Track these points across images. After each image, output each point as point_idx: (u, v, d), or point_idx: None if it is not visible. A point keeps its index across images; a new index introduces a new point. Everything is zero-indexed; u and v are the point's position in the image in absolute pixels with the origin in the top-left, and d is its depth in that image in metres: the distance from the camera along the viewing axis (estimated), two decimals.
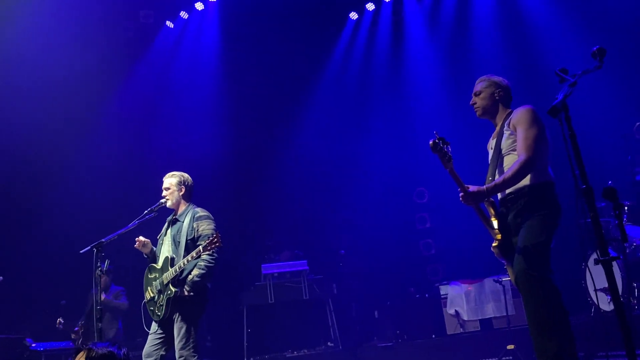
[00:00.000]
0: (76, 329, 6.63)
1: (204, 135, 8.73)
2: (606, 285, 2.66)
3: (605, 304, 5.42)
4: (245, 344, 7.14)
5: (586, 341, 4.71)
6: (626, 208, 5.79)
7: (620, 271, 5.28)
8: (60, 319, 6.72)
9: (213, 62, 9.02)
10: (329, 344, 7.20)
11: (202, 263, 4.27)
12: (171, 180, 4.62)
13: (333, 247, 8.60)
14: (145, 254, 4.65)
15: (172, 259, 4.37)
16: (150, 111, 8.67)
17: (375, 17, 9.28)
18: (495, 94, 3.71)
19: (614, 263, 2.67)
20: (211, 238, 4.13)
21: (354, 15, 9.23)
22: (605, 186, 2.61)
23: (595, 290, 5.47)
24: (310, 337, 7.51)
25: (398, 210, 9.02)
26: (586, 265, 5.41)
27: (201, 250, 4.14)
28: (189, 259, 4.21)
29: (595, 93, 6.90)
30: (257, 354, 7.07)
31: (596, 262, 2.69)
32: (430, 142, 3.39)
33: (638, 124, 6.82)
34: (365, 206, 9.04)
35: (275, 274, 7.32)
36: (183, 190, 4.59)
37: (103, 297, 6.34)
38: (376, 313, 7.44)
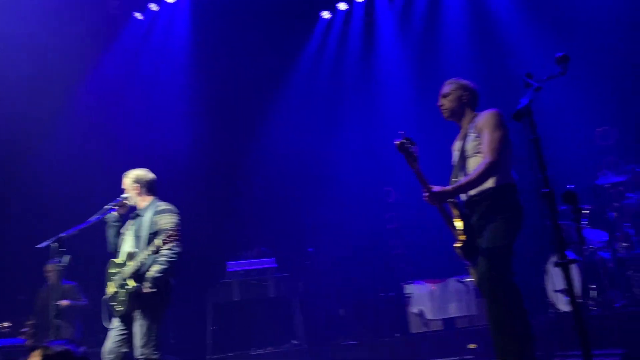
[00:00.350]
0: (25, 329, 6.31)
1: (173, 130, 8.60)
2: (565, 287, 2.73)
3: (564, 305, 5.56)
4: (209, 341, 7.07)
5: (545, 341, 4.82)
6: (587, 212, 5.94)
7: (579, 273, 5.41)
8: (5, 323, 6.47)
9: (184, 56, 8.90)
10: (294, 342, 7.18)
11: (162, 258, 4.20)
12: (125, 181, 4.58)
13: (301, 245, 8.59)
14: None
15: (132, 254, 4.30)
16: (118, 104, 8.50)
17: (347, 17, 9.30)
18: (463, 97, 3.75)
19: (573, 265, 2.74)
20: (168, 232, 4.07)
21: (325, 14, 9.23)
22: (566, 190, 2.67)
23: (555, 291, 5.61)
24: (275, 335, 7.48)
25: (366, 209, 9.06)
26: (545, 267, 5.53)
27: (160, 245, 4.08)
28: (148, 253, 4.15)
29: (560, 98, 7.05)
30: (221, 352, 7.00)
31: (555, 264, 2.75)
32: (397, 142, 3.42)
33: (599, 129, 7.02)
34: (334, 205, 9.05)
35: (242, 272, 7.26)
36: (138, 188, 4.53)
37: (66, 302, 6.19)
38: (342, 311, 7.46)
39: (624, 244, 5.79)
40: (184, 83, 8.85)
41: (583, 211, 5.87)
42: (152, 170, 4.76)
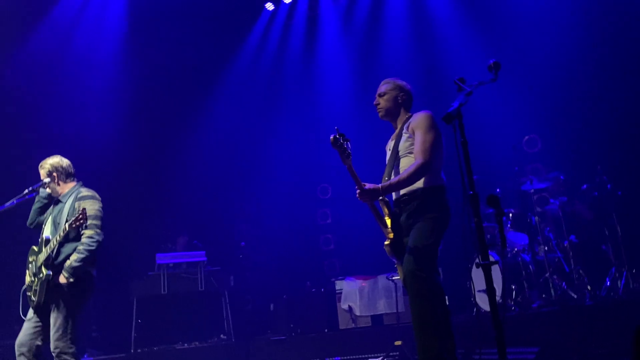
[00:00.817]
0: None
1: (102, 116, 8.24)
2: (486, 287, 2.81)
3: (486, 304, 5.76)
4: (133, 334, 6.86)
5: (467, 339, 4.98)
6: (511, 215, 6.19)
7: (500, 274, 5.63)
8: None
9: (118, 42, 8.54)
10: (222, 336, 7.09)
11: (82, 247, 4.01)
12: (41, 172, 4.37)
13: (234, 239, 8.49)
14: None
15: (48, 241, 4.09)
16: (46, 83, 8.05)
17: (291, 11, 9.25)
18: (399, 98, 3.80)
19: (496, 266, 2.84)
20: (76, 215, 3.91)
21: (270, 6, 9.14)
22: (490, 194, 2.75)
23: (478, 291, 5.81)
24: (203, 329, 7.35)
25: (301, 204, 9.08)
26: (470, 268, 5.72)
27: (67, 229, 3.91)
28: (58, 238, 3.96)
29: (491, 105, 7.31)
30: (146, 346, 6.82)
31: (477, 265, 2.83)
32: (331, 137, 3.42)
33: (527, 137, 7.32)
34: (269, 200, 9.02)
35: (171, 265, 7.09)
36: (55, 176, 4.33)
37: None
38: (272, 306, 7.43)
39: (544, 248, 6.07)
40: (118, 68, 8.51)
41: (506, 215, 6.11)
42: (79, 157, 4.56)
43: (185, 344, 6.85)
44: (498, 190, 6.51)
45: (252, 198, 9.08)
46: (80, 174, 4.53)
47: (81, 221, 3.88)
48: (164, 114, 8.85)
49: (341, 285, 7.00)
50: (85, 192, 4.26)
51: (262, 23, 9.33)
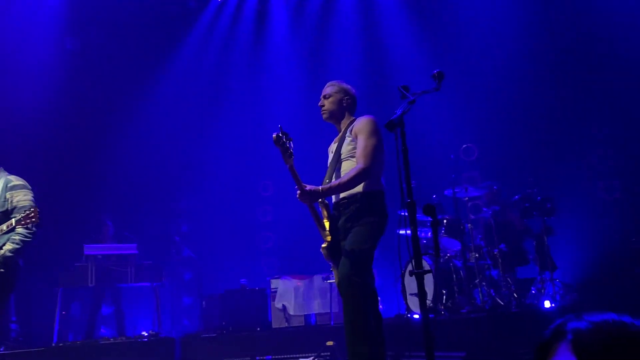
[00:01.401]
0: None
1: (34, 98, 7.82)
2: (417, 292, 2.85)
3: (417, 307, 5.87)
4: (56, 327, 6.56)
5: (397, 342, 5.05)
6: (445, 221, 6.34)
7: (432, 279, 5.76)
8: None
9: (53, 21, 8.13)
10: (150, 332, 6.88)
11: (17, 237, 3.83)
12: None
13: (169, 234, 8.28)
14: None
15: None
16: None
17: (240, 3, 9.11)
18: (343, 101, 3.80)
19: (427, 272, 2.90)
20: (28, 212, 3.71)
21: None
22: (427, 203, 2.79)
23: (410, 294, 5.91)
24: (131, 323, 7.12)
25: (242, 201, 8.97)
26: (404, 272, 5.81)
27: (13, 224, 3.71)
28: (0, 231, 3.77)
29: (432, 114, 7.47)
30: (69, 339, 6.54)
31: (410, 273, 2.87)
32: (274, 135, 3.38)
33: (464, 146, 7.53)
34: (209, 195, 8.85)
35: (99, 256, 6.81)
36: None
37: None
38: (203, 303, 7.29)
39: (475, 255, 6.25)
40: (53, 47, 8.10)
41: (440, 222, 6.26)
42: (6, 143, 4.31)
43: (111, 339, 6.60)
44: (434, 196, 6.65)
45: (192, 193, 8.88)
46: (5, 159, 4.29)
47: (32, 220, 3.69)
48: (98, 100, 8.49)
49: (277, 284, 6.95)
50: (15, 180, 4.04)
51: (210, 13, 9.15)
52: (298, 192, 3.50)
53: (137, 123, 8.62)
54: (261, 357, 6.09)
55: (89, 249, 6.76)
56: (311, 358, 5.74)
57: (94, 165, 8.34)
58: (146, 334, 6.67)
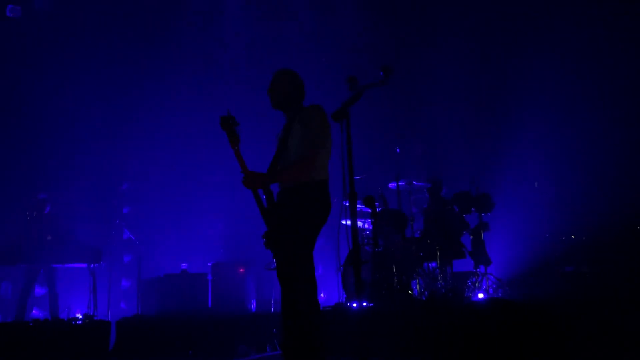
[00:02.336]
0: None
1: None
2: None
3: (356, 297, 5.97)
4: None
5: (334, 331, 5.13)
6: (386, 214, 6.45)
7: (371, 269, 5.89)
8: None
9: None
10: (85, 314, 6.71)
11: None
12: None
13: (110, 216, 8.06)
14: None
15: None
16: None
17: None
18: (291, 89, 3.79)
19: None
20: None
21: None
22: (367, 195, 2.85)
23: (349, 285, 6.02)
24: (65, 305, 6.93)
25: (186, 185, 8.85)
26: (345, 262, 5.90)
27: None
28: None
29: (380, 108, 7.58)
30: None
31: (346, 265, 2.93)
32: (221, 117, 3.36)
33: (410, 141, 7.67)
34: (152, 178, 8.70)
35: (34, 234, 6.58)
36: None
37: None
38: (142, 287, 7.17)
39: (414, 247, 6.41)
40: None
41: (381, 213, 6.38)
42: None
43: (43, 320, 6.39)
44: (379, 189, 6.76)
45: (133, 174, 8.70)
46: None
47: None
48: (38, 73, 8.15)
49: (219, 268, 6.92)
50: None
51: None
52: (243, 177, 3.49)
53: (81, 103, 8.33)
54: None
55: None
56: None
57: (34, 144, 8.02)
58: (80, 317, 6.50)
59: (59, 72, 8.32)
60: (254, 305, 7.21)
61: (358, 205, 3.28)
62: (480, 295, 6.09)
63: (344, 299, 6.30)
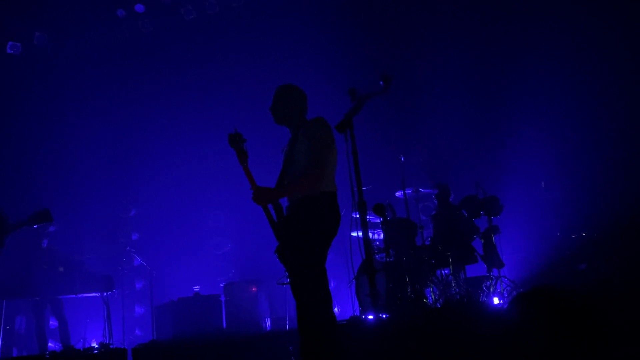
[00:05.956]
0: None
1: None
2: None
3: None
4: (0, 341, 6.30)
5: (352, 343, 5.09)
6: (396, 222, 6.43)
7: (385, 279, 5.86)
8: None
9: None
10: (101, 343, 6.70)
11: None
12: None
13: (119, 243, 8.05)
14: None
15: None
16: None
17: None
18: (294, 103, 3.80)
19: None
20: None
21: None
22: (376, 203, 2.85)
23: (364, 295, 5.98)
24: (80, 335, 6.92)
25: (193, 207, 8.86)
26: (358, 273, 5.87)
27: None
28: None
29: (382, 116, 7.60)
30: (13, 353, 6.29)
31: (359, 275, 2.92)
32: (229, 135, 3.40)
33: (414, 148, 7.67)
34: (158, 203, 8.73)
35: (44, 267, 6.58)
36: None
37: None
38: (156, 312, 7.15)
39: (425, 254, 6.37)
40: None
41: (391, 222, 6.37)
42: None
43: (60, 352, 6.38)
44: (386, 199, 6.75)
45: (139, 200, 8.72)
46: None
47: None
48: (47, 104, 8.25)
49: (231, 288, 6.90)
50: None
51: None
52: (252, 193, 3.50)
53: (86, 132, 8.41)
54: None
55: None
56: None
57: (39, 175, 8.08)
58: (96, 346, 6.48)
59: (64, 103, 8.41)
60: (268, 324, 7.17)
61: (367, 216, 3.27)
62: (496, 299, 6.04)
63: (358, 312, 6.26)
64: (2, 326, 6.37)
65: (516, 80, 7.91)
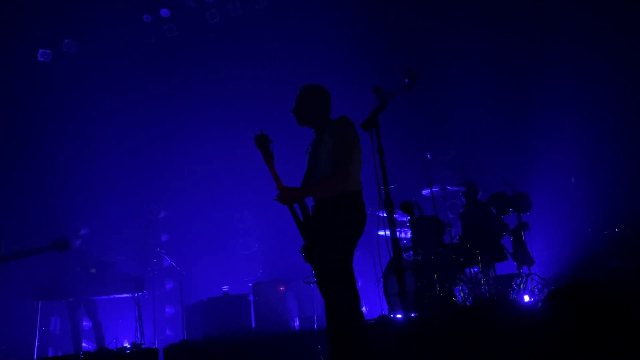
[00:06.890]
0: None
1: None
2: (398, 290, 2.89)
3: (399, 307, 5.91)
4: (37, 342, 6.45)
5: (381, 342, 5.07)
6: (424, 220, 6.38)
7: (414, 278, 5.82)
8: None
9: None
10: (133, 343, 6.81)
11: None
12: None
13: (149, 245, 8.17)
14: None
15: None
16: None
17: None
18: (317, 103, 3.80)
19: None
20: None
21: None
22: (404, 201, 2.84)
23: (392, 294, 5.96)
24: (113, 336, 7.04)
25: (220, 208, 8.94)
26: (386, 272, 5.85)
27: None
28: None
29: (408, 114, 7.55)
30: (49, 354, 6.44)
31: (387, 274, 2.91)
32: (255, 136, 3.43)
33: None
34: (187, 204, 8.82)
35: (77, 268, 6.73)
36: None
37: None
38: (186, 312, 7.24)
39: (454, 252, 6.31)
40: None
41: (419, 220, 6.32)
42: None
43: (93, 352, 6.52)
44: (413, 197, 6.71)
45: (168, 202, 8.83)
46: None
47: None
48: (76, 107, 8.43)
49: (260, 288, 6.94)
50: None
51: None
52: (278, 193, 3.52)
53: (116, 133, 8.57)
54: None
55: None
56: None
57: (71, 177, 8.27)
58: (128, 346, 6.60)
59: (93, 109, 8.58)
60: (297, 323, 7.20)
61: (394, 214, 3.26)
62: (526, 297, 5.95)
63: (386, 311, 6.24)
64: (38, 327, 6.52)
65: (545, 74, 7.78)
